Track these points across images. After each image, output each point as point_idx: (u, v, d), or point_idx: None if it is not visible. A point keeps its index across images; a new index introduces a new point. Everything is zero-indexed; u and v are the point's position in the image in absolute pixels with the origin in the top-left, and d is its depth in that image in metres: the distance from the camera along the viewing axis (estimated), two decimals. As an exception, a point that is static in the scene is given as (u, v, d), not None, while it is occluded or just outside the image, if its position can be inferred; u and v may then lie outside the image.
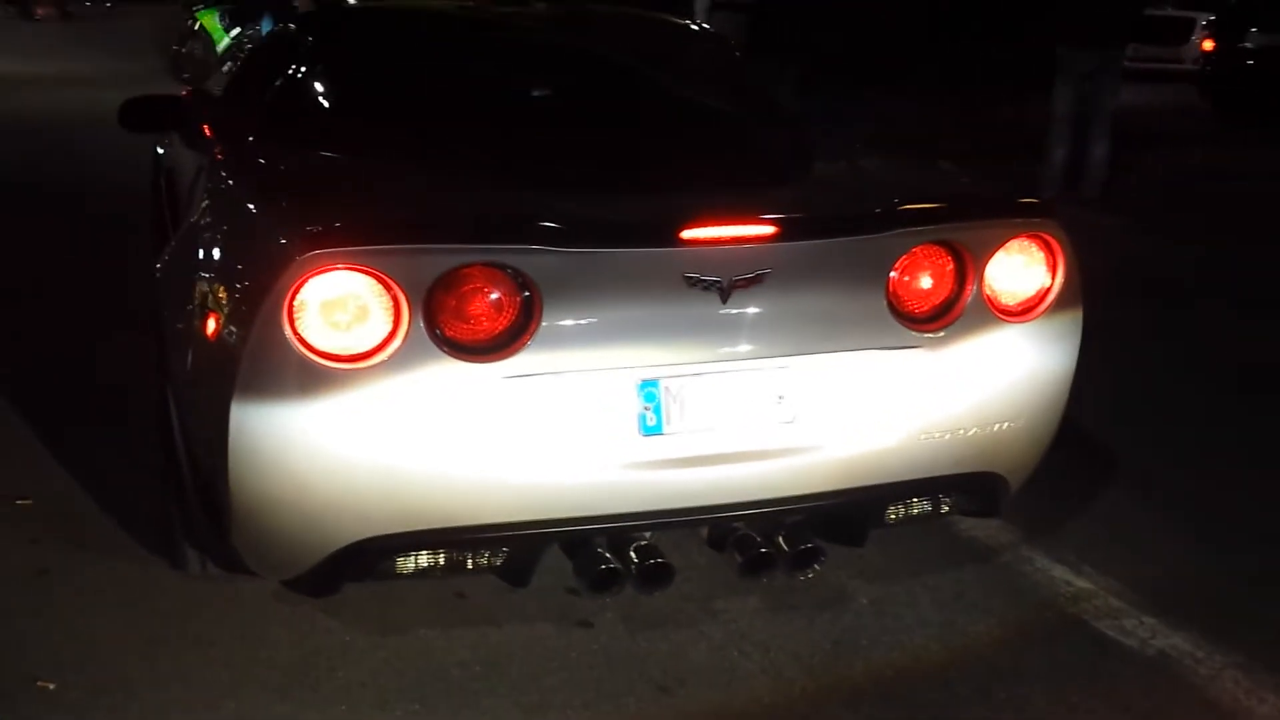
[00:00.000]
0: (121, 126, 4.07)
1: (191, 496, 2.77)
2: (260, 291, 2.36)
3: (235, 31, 11.36)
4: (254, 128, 3.48)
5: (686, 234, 2.52)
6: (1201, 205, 8.35)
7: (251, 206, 2.81)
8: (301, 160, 3.09)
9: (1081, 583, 3.21)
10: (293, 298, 2.34)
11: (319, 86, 3.50)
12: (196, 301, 2.68)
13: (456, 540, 2.57)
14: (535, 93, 3.39)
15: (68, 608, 2.97)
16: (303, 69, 3.56)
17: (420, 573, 2.61)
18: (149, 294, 3.29)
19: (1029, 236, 2.77)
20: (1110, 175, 7.89)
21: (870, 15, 7.48)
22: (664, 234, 2.53)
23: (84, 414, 4.11)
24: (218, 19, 12.57)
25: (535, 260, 2.43)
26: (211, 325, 2.56)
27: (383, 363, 2.40)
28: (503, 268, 2.43)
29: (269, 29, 11.40)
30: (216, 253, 2.80)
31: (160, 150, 5.14)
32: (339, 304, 2.38)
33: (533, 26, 3.89)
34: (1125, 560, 3.32)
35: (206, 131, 3.81)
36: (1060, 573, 3.25)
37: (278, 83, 3.61)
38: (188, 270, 2.85)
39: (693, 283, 2.50)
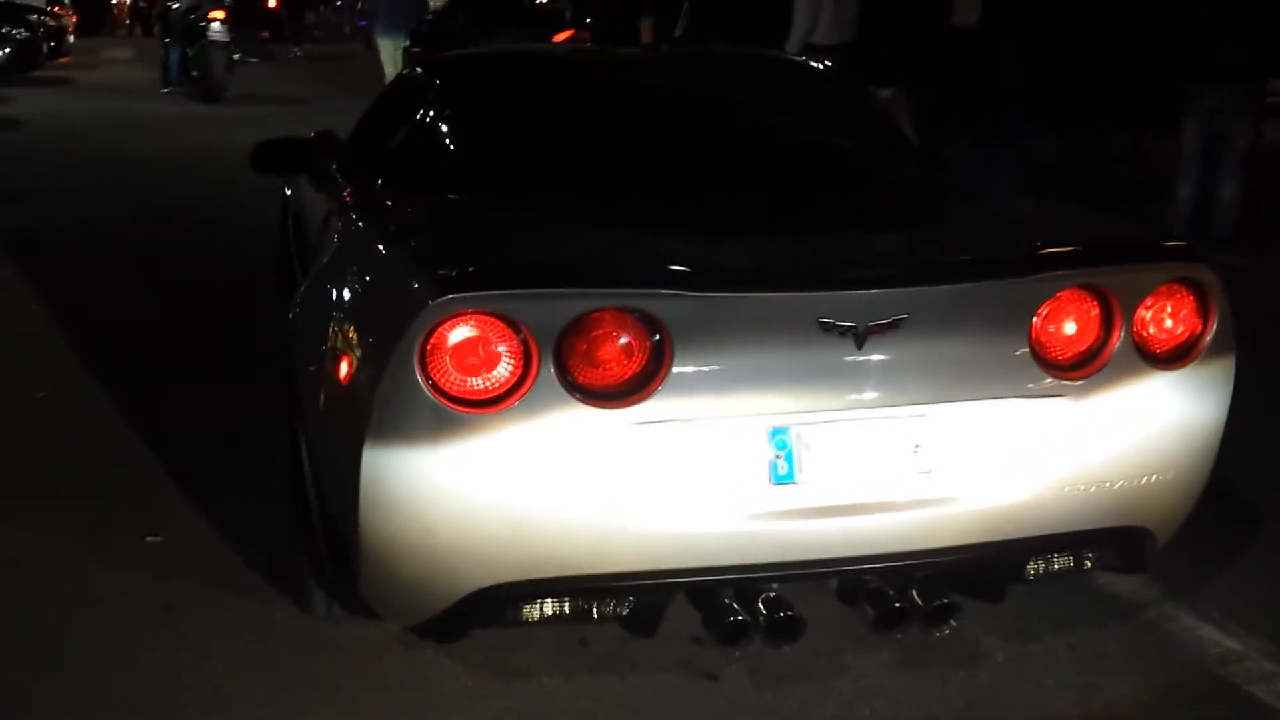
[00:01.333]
0: (253, 169, 4.16)
1: (320, 538, 2.76)
2: (393, 335, 2.35)
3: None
4: (382, 171, 3.52)
5: (821, 278, 2.46)
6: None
7: (383, 250, 2.82)
8: (431, 204, 3.10)
9: (1230, 643, 3.04)
10: (425, 342, 2.33)
11: (447, 130, 3.51)
12: (329, 344, 2.69)
13: (583, 589, 2.53)
14: (663, 135, 3.35)
15: (193, 647, 2.99)
16: (430, 113, 3.58)
17: (545, 620, 2.56)
18: (280, 335, 3.31)
19: (1180, 281, 2.66)
20: (1244, 215, 7.62)
21: (994, 49, 7.29)
22: (798, 278, 2.48)
23: (214, 454, 4.15)
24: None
25: (667, 304, 2.39)
26: (344, 368, 2.56)
27: (513, 408, 2.37)
28: (634, 312, 2.39)
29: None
30: (349, 296, 2.81)
31: (289, 192, 5.22)
32: (471, 349, 2.36)
33: (659, 69, 3.88)
34: (1276, 620, 3.14)
35: (335, 174, 3.87)
36: (1208, 632, 3.09)
37: (406, 126, 3.64)
38: (320, 313, 2.87)
39: (827, 328, 2.43)
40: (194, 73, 15.94)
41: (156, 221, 8.10)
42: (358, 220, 3.15)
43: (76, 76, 19.32)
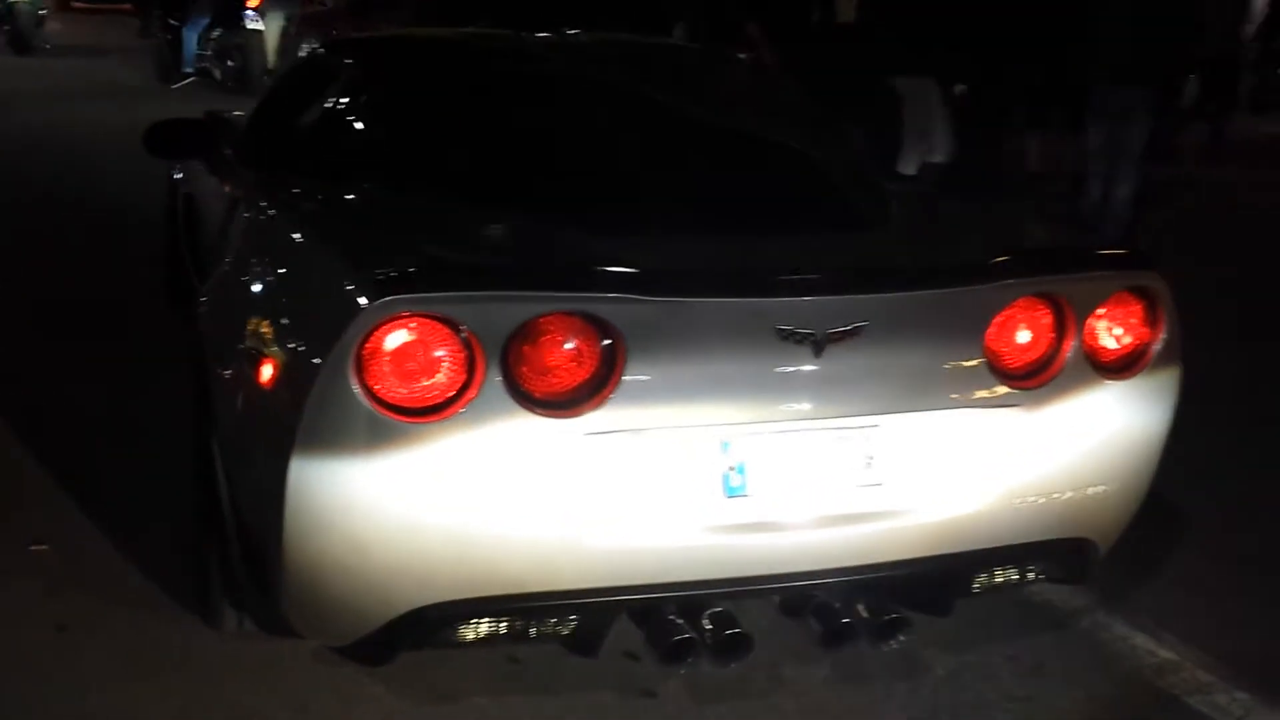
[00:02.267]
0: (147, 152, 3.91)
1: (234, 552, 2.57)
2: (325, 340, 2.18)
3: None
4: (292, 157, 3.32)
5: (780, 283, 2.36)
6: (1222, 245, 8.18)
7: (308, 244, 2.64)
8: (357, 196, 2.93)
9: (1165, 653, 3.03)
10: (361, 347, 2.16)
11: (369, 116, 3.32)
12: (247, 345, 2.50)
13: (526, 608, 2.39)
14: (602, 127, 3.20)
15: (91, 670, 2.77)
16: (349, 97, 3.38)
17: (481, 641, 2.42)
18: (171, 327, 3.10)
19: (1133, 289, 2.62)
20: (1138, 216, 7.73)
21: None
22: (757, 283, 2.37)
23: (104, 454, 3.89)
24: None
25: (620, 309, 2.26)
26: (267, 372, 2.38)
27: (456, 418, 2.22)
28: (585, 317, 2.26)
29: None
30: (269, 293, 2.62)
31: (177, 175, 4.95)
32: (410, 354, 2.20)
33: (601, 56, 3.72)
34: (1208, 628, 3.13)
35: (234, 160, 3.65)
36: (1142, 641, 3.07)
37: (317, 110, 3.44)
38: (234, 311, 2.67)
39: (786, 335, 2.33)
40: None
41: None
42: (273, 210, 2.95)
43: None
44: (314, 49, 4.18)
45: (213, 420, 2.68)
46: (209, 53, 14.50)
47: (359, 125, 3.34)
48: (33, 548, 3.29)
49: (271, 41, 12.34)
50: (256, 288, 2.69)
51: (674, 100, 3.33)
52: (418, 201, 2.86)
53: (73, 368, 4.67)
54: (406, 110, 3.31)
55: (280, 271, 2.66)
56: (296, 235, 2.72)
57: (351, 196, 2.96)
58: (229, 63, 14.16)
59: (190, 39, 14.64)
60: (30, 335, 5.10)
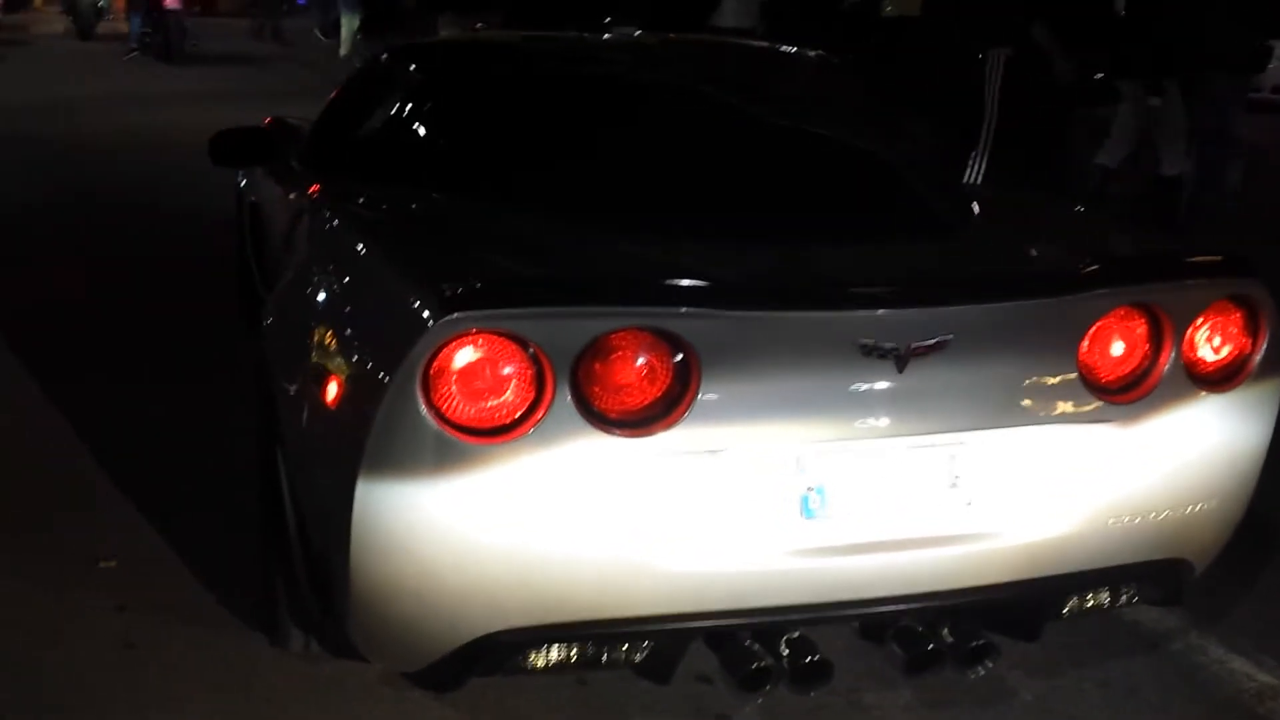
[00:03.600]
0: (212, 161, 3.90)
1: (300, 572, 2.51)
2: (392, 358, 2.11)
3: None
4: (362, 166, 3.27)
5: (861, 296, 2.26)
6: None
7: (374, 257, 2.57)
8: (420, 206, 2.86)
9: (1265, 677, 2.88)
10: (429, 366, 2.09)
11: (436, 122, 3.25)
12: (314, 361, 2.44)
13: (598, 634, 2.30)
14: (677, 134, 3.09)
15: (156, 689, 2.73)
16: (412, 103, 3.32)
17: (552, 668, 2.34)
18: (240, 335, 3.05)
19: (1233, 297, 2.48)
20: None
21: None
22: (836, 296, 2.27)
23: (171, 467, 3.85)
24: None
25: (694, 324, 2.17)
26: (332, 390, 2.31)
27: (525, 438, 2.14)
28: (658, 332, 2.17)
29: None
30: (335, 307, 2.56)
31: (244, 183, 4.92)
32: (478, 373, 2.13)
33: (672, 57, 3.63)
34: None
35: (299, 168, 3.61)
36: (1240, 665, 2.93)
37: (382, 117, 3.39)
38: (300, 324, 2.61)
39: (868, 350, 2.23)
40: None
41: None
42: (337, 220, 2.89)
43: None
44: (379, 55, 4.12)
45: (278, 438, 2.63)
46: (148, 30, 17.97)
47: (425, 132, 3.28)
48: (102, 563, 3.25)
49: (346, 42, 12.38)
50: (321, 302, 2.63)
51: (748, 104, 3.22)
52: (485, 212, 2.78)
53: (142, 378, 4.66)
54: (475, 117, 3.24)
55: (345, 285, 2.59)
56: (362, 247, 2.65)
57: (417, 206, 2.89)
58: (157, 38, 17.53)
59: (134, 20, 18.43)
60: (104, 337, 5.11)
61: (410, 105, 3.38)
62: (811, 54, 3.77)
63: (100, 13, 20.48)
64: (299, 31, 20.01)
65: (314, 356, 2.45)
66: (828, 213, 2.79)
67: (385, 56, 3.96)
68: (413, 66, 3.63)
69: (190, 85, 14.74)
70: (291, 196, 3.49)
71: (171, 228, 7.09)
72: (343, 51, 11.85)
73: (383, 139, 3.38)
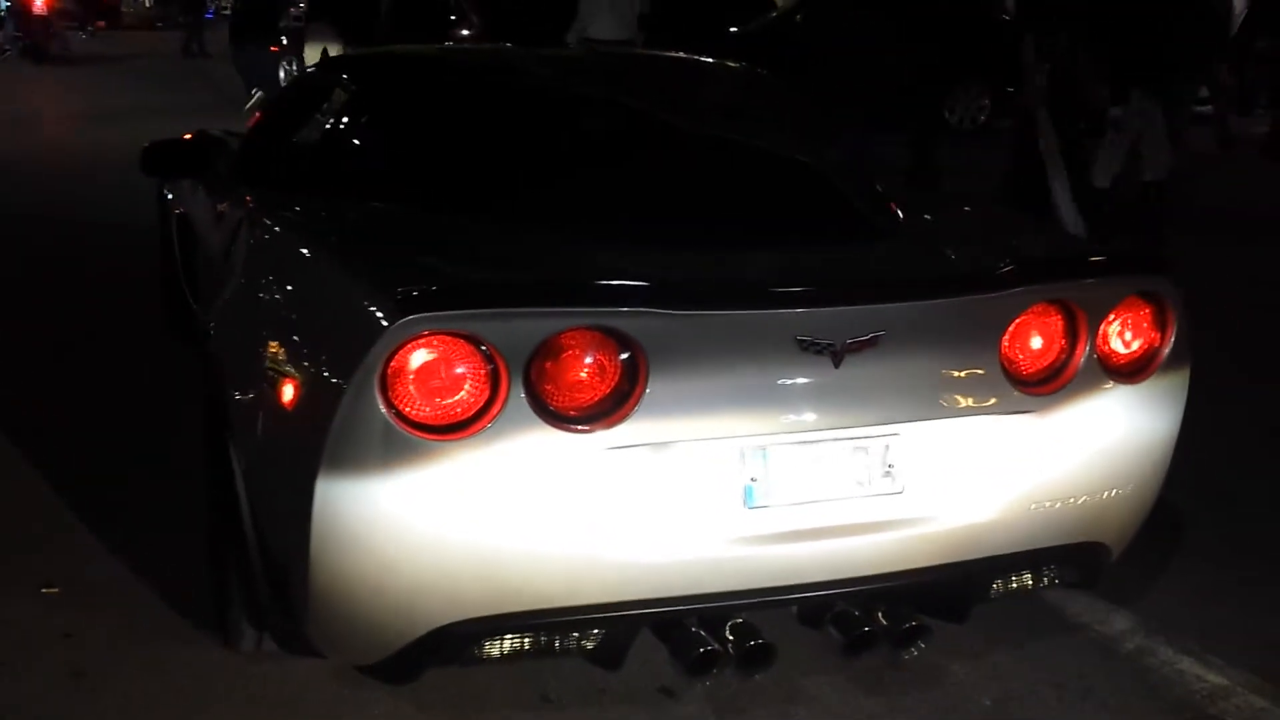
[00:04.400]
0: (143, 172, 3.93)
1: (257, 570, 2.57)
2: (349, 360, 2.19)
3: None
4: (300, 176, 3.32)
5: (799, 294, 2.38)
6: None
7: (327, 266, 2.63)
8: (367, 214, 2.93)
9: (1214, 677, 2.95)
10: (386, 366, 2.17)
11: (372, 132, 3.33)
12: (267, 367, 2.50)
13: (551, 623, 2.39)
14: (612, 142, 3.20)
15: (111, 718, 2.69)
16: (352, 115, 3.39)
17: (507, 657, 2.43)
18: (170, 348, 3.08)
19: (1143, 294, 2.65)
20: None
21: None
22: (776, 295, 2.39)
23: (106, 483, 3.84)
24: None
25: (641, 323, 2.27)
26: (289, 393, 2.38)
27: (481, 434, 2.23)
28: (607, 331, 2.27)
29: None
30: (288, 315, 2.62)
31: (170, 195, 4.93)
32: (434, 372, 2.21)
33: (599, 70, 3.74)
34: (1251, 649, 3.08)
35: (234, 179, 3.65)
36: (1189, 665, 2.99)
37: (321, 127, 3.45)
38: (249, 332, 2.67)
39: (805, 346, 2.35)
40: None
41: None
42: (283, 229, 2.95)
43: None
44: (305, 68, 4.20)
45: (231, 442, 2.67)
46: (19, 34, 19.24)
47: (363, 143, 3.35)
48: (44, 590, 3.20)
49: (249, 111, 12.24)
50: (272, 309, 2.69)
51: (685, 116, 3.34)
52: (429, 219, 2.86)
53: (71, 394, 4.65)
54: (413, 127, 3.31)
55: (297, 292, 2.65)
56: (312, 255, 2.72)
57: (362, 215, 2.96)
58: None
59: (8, 25, 19.62)
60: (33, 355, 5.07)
61: (348, 116, 3.44)
62: (741, 67, 3.91)
63: None
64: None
65: (268, 361, 2.51)
66: (764, 218, 2.91)
67: (319, 69, 4.02)
68: (348, 78, 3.69)
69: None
70: (228, 207, 3.53)
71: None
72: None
73: (321, 150, 3.44)
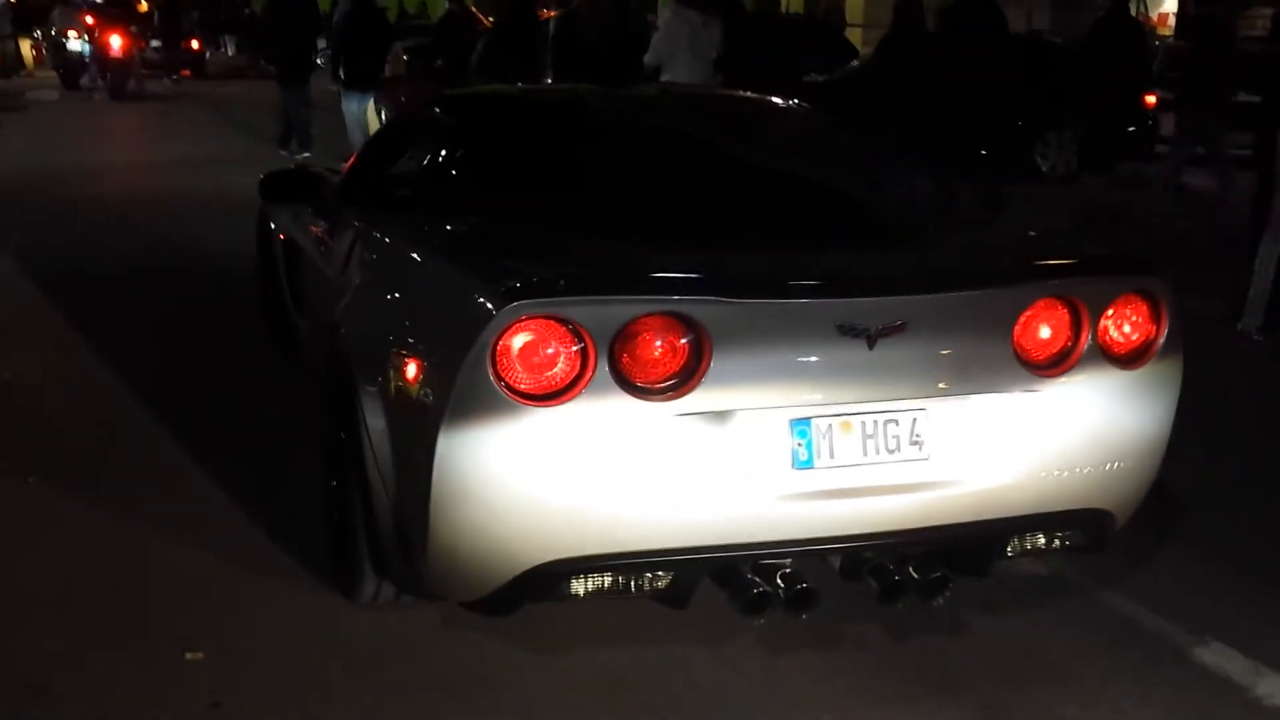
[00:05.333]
0: (263, 198, 4.47)
1: (385, 525, 3.03)
2: (465, 339, 2.66)
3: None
4: (405, 199, 3.83)
5: (839, 286, 2.84)
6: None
7: (439, 266, 3.11)
8: (469, 227, 3.41)
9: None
10: (496, 345, 2.64)
11: (471, 162, 3.83)
12: (393, 351, 2.97)
13: (627, 564, 2.84)
14: (674, 166, 3.71)
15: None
16: (446, 145, 3.90)
17: (591, 594, 2.87)
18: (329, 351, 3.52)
19: (1139, 292, 3.07)
20: None
21: None
22: (819, 286, 2.85)
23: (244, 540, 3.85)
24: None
25: (707, 309, 2.73)
26: (412, 370, 2.86)
27: (573, 402, 2.69)
28: (678, 316, 2.73)
29: None
30: (411, 308, 3.10)
31: (274, 224, 5.45)
32: (534, 349, 2.68)
33: (671, 106, 4.25)
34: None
35: (348, 204, 4.16)
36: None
37: (422, 158, 3.96)
38: (376, 326, 3.16)
39: (844, 331, 2.79)
40: None
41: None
42: (397, 242, 3.46)
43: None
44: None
45: (361, 417, 3.11)
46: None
47: (456, 169, 3.85)
48: (187, 655, 3.15)
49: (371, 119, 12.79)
50: (394, 304, 3.18)
51: (737, 141, 3.84)
52: (520, 231, 3.34)
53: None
54: (504, 155, 3.83)
55: (414, 289, 3.15)
56: (425, 259, 3.22)
57: (462, 227, 3.43)
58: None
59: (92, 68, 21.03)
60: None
61: (443, 147, 3.95)
62: (792, 103, 4.41)
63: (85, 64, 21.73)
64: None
65: (393, 346, 2.99)
66: (807, 226, 3.39)
67: (420, 108, 4.55)
68: (444, 114, 4.22)
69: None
70: (339, 228, 4.03)
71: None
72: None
73: (424, 176, 3.94)
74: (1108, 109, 11.63)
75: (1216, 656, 3.26)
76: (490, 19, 12.45)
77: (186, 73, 25.13)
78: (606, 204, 3.48)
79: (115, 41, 20.16)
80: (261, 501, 4.05)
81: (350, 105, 11.99)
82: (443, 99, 4.63)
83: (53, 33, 23.04)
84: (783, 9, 26.29)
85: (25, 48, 25.43)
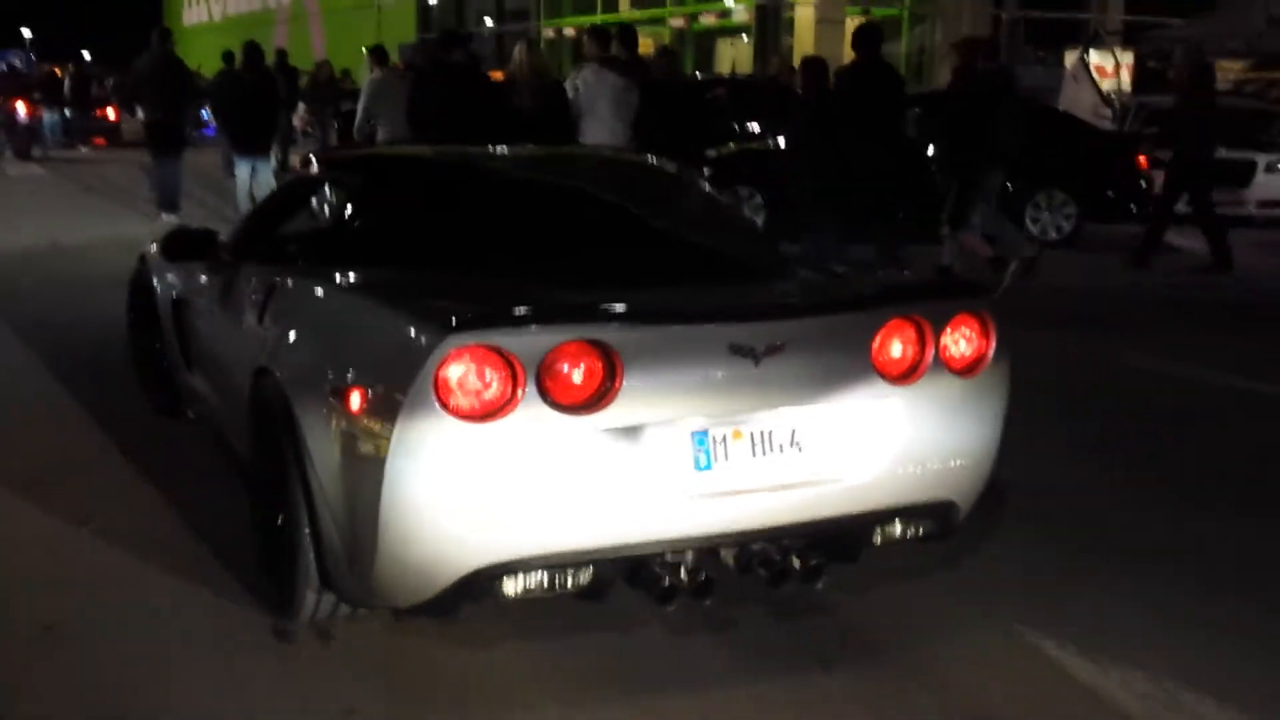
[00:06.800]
0: (165, 257, 4.73)
1: (330, 543, 3.33)
2: (410, 369, 3.03)
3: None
4: (314, 251, 4.17)
5: (730, 314, 3.33)
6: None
7: (379, 307, 3.44)
8: (389, 275, 3.76)
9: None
10: (438, 372, 3.02)
11: (383, 217, 4.20)
12: (334, 384, 3.30)
13: (554, 564, 3.23)
14: (550, 213, 4.22)
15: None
16: (351, 203, 4.26)
17: (522, 594, 3.25)
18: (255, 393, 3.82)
19: (971, 312, 3.64)
20: None
21: None
22: (714, 313, 3.34)
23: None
24: None
25: (619, 335, 3.16)
26: (356, 400, 3.19)
27: (505, 420, 3.08)
28: (594, 342, 3.15)
29: None
30: (349, 345, 3.41)
31: (158, 283, 5.63)
32: (472, 375, 3.07)
33: (561, 166, 4.71)
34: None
35: (244, 259, 4.47)
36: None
37: (327, 214, 4.32)
38: (313, 364, 3.48)
39: (734, 350, 3.27)
40: None
41: None
42: (325, 289, 3.78)
43: None
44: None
45: (305, 447, 3.38)
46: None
47: (363, 223, 4.21)
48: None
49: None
50: (332, 344, 3.50)
51: (629, 199, 4.33)
52: (434, 277, 3.72)
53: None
54: (406, 210, 4.22)
55: (353, 329, 3.48)
56: (360, 303, 3.56)
57: (382, 275, 3.79)
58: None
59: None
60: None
61: (348, 204, 4.30)
62: (665, 163, 4.92)
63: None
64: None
65: (335, 381, 3.31)
66: (693, 265, 3.88)
67: (308, 169, 4.89)
68: (341, 174, 4.58)
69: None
70: (250, 281, 4.32)
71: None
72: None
73: (327, 230, 4.30)
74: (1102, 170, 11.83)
75: (1038, 631, 3.81)
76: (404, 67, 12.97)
77: (100, 141, 25.40)
78: (509, 253, 3.90)
79: (20, 108, 22.38)
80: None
81: (240, 170, 12.26)
82: (341, 160, 4.98)
83: None
84: (730, 70, 27.09)
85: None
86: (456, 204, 4.24)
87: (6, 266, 10.29)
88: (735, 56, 28.70)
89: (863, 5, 26.33)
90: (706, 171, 9.49)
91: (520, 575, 3.23)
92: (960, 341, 3.65)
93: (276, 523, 3.67)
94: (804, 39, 24.78)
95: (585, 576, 3.29)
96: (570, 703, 3.33)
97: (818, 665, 3.53)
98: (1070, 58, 19.33)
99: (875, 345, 3.50)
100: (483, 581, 3.20)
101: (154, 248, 5.79)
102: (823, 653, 3.60)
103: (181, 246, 4.73)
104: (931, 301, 3.66)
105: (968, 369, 3.66)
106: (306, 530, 3.41)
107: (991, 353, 3.68)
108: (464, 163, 4.65)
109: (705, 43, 30.87)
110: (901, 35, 25.90)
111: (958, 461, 3.68)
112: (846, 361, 3.47)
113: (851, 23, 22.50)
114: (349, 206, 4.32)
